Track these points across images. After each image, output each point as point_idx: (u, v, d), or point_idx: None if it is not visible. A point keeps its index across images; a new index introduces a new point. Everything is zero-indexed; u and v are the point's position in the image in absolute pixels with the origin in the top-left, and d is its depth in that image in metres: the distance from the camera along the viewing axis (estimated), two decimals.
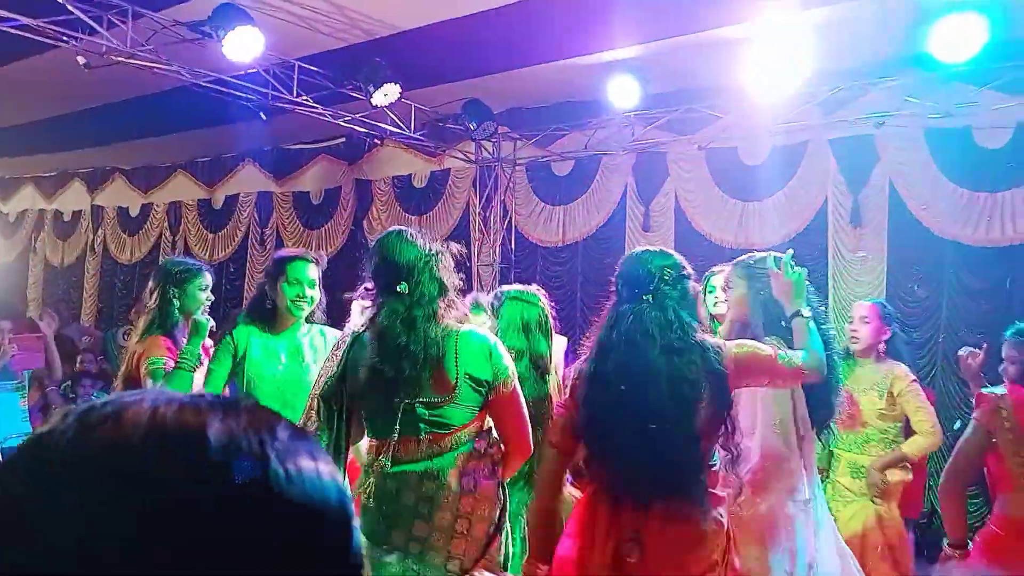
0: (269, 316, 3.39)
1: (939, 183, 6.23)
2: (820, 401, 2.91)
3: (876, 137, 6.44)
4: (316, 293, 3.36)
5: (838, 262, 6.67)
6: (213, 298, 3.75)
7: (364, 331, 2.75)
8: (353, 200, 9.36)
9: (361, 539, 0.51)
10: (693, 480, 2.37)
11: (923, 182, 6.31)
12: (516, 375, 2.75)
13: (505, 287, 3.73)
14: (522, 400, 2.75)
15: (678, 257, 2.59)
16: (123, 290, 11.65)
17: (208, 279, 3.68)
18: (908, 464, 4.00)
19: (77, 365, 6.73)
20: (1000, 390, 3.08)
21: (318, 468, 0.49)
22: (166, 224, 11.30)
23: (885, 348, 4.08)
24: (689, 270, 2.59)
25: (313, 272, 3.37)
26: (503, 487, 2.77)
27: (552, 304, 3.69)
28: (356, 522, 0.51)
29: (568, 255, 8.16)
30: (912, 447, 3.93)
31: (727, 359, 2.43)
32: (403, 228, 2.82)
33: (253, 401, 0.50)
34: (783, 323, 2.79)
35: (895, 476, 3.95)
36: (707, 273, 3.89)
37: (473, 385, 2.66)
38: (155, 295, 3.54)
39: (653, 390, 2.36)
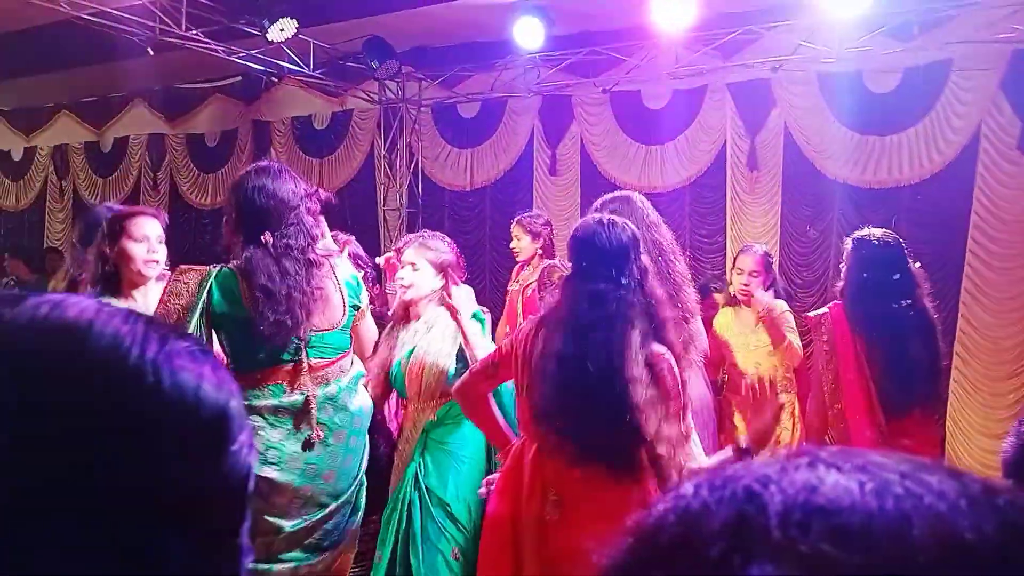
0: (114, 283, 3.05)
1: (831, 127, 6.44)
2: None
3: (772, 81, 6.59)
4: (163, 250, 3.10)
5: (735, 205, 6.85)
6: None
7: (220, 270, 2.73)
8: (251, 142, 9.03)
9: (249, 464, 0.52)
10: (632, 452, 2.36)
11: (816, 126, 6.51)
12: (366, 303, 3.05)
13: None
14: (372, 326, 3.08)
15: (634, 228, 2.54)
16: (10, 238, 11.04)
17: None
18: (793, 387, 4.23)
19: None
20: (824, 310, 3.50)
21: (199, 384, 0.50)
22: (52, 168, 10.71)
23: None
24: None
25: (158, 228, 3.10)
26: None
27: (462, 250, 3.65)
28: (239, 445, 0.52)
29: (476, 199, 8.12)
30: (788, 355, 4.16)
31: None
32: (268, 166, 2.79)
33: (166, 322, 0.51)
34: None
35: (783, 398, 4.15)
36: None
37: (352, 311, 2.91)
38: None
39: (624, 372, 2.31)
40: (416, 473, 3.13)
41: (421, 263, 3.21)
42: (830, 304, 3.53)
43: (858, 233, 3.53)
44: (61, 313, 0.49)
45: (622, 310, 2.36)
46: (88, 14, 6.07)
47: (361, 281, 3.00)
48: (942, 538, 0.30)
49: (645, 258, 2.50)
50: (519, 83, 7.46)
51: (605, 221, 2.49)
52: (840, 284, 3.51)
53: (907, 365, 3.24)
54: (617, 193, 3.05)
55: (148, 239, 3.03)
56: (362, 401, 2.95)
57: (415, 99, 8.14)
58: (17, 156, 11.01)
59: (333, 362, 2.85)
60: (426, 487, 3.10)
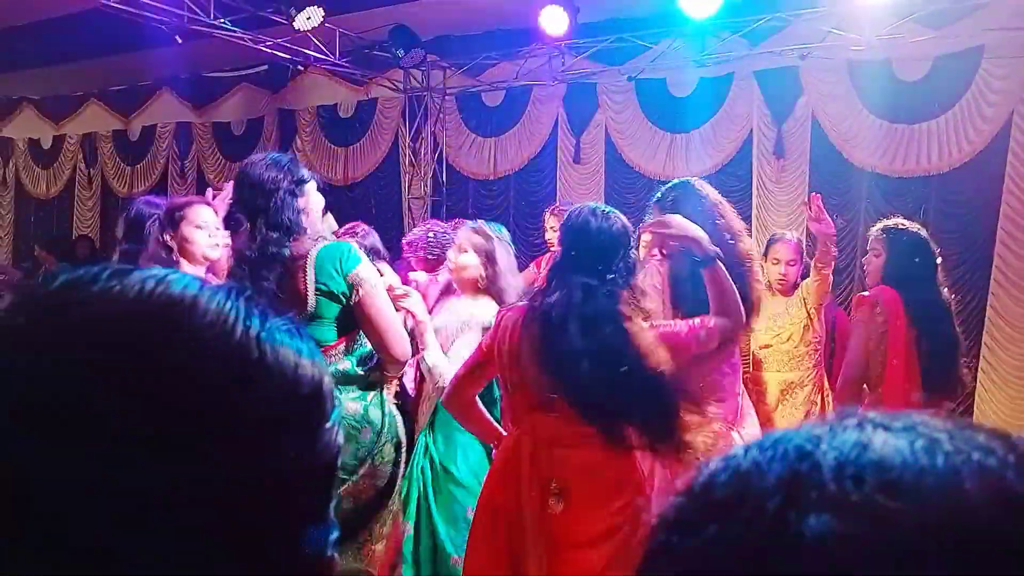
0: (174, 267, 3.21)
1: (860, 115, 6.38)
2: None
3: (801, 69, 6.53)
4: (222, 234, 3.11)
5: (761, 193, 6.80)
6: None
7: None
8: (276, 131, 9.09)
9: (339, 443, 0.53)
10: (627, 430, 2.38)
11: (845, 114, 6.45)
12: (374, 280, 2.71)
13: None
14: (381, 305, 2.70)
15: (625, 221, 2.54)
16: (39, 226, 11.20)
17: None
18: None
19: None
20: (868, 293, 3.47)
21: (298, 361, 0.50)
22: (81, 156, 10.83)
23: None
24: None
25: (214, 215, 3.16)
26: (379, 407, 2.78)
27: None
28: (332, 423, 0.52)
29: (500, 188, 8.13)
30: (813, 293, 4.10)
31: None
32: (258, 160, 2.72)
33: (263, 298, 0.52)
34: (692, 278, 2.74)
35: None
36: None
37: (328, 298, 2.64)
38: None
39: (642, 359, 2.33)
40: (426, 444, 3.22)
41: (468, 247, 3.26)
42: (875, 287, 3.49)
43: (887, 223, 3.55)
44: (167, 288, 0.49)
45: (612, 304, 2.36)
46: (117, 2, 6.12)
47: (353, 258, 2.70)
48: (992, 490, 0.31)
49: (635, 252, 2.52)
50: (544, 71, 7.44)
51: (598, 212, 2.49)
52: (877, 272, 3.48)
53: (944, 352, 3.32)
54: (676, 181, 3.06)
55: (208, 225, 3.13)
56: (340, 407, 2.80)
57: (440, 88, 8.15)
58: (47, 144, 11.14)
59: None
60: (434, 458, 3.18)
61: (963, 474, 0.32)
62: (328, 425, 0.52)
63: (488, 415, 2.76)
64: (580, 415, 2.38)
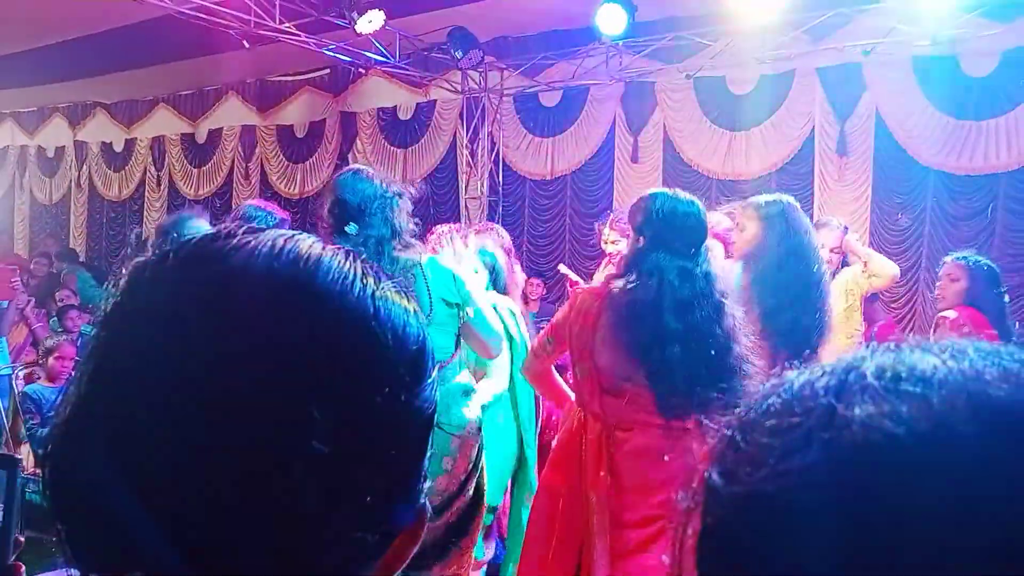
0: None
1: (925, 112, 6.25)
2: None
3: (864, 66, 6.43)
4: None
5: (823, 192, 6.71)
6: None
7: None
8: (338, 133, 9.28)
9: (436, 399, 0.57)
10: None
11: (909, 111, 6.33)
12: (481, 296, 2.90)
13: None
14: (486, 323, 2.85)
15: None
16: (112, 226, 11.62)
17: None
18: None
19: (59, 301, 6.78)
20: (953, 313, 3.52)
21: (407, 319, 0.54)
22: (151, 159, 11.20)
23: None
24: None
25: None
26: (480, 424, 2.89)
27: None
28: (431, 380, 0.56)
29: (557, 188, 8.16)
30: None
31: None
32: (361, 168, 2.87)
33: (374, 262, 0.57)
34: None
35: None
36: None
37: (446, 305, 2.78)
38: None
39: (735, 346, 2.38)
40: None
41: (479, 267, 3.45)
42: (954, 308, 3.56)
43: (962, 253, 3.75)
44: (295, 245, 0.54)
45: (713, 285, 2.39)
46: (188, 8, 6.33)
47: (463, 276, 2.87)
48: (1012, 380, 0.37)
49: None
50: (601, 71, 7.45)
51: (681, 196, 2.51)
52: (957, 296, 3.58)
53: None
54: (772, 197, 3.13)
55: None
56: (463, 415, 2.80)
57: (497, 88, 8.22)
58: (118, 148, 11.55)
59: None
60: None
61: (986, 371, 0.37)
62: (429, 381, 0.56)
63: (562, 383, 2.82)
64: (655, 399, 2.39)
